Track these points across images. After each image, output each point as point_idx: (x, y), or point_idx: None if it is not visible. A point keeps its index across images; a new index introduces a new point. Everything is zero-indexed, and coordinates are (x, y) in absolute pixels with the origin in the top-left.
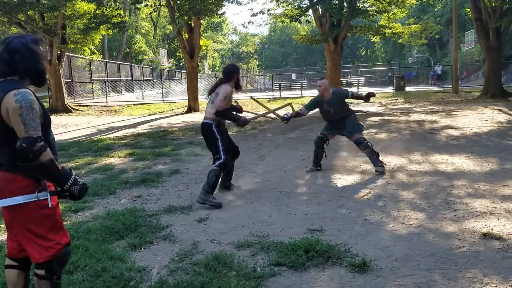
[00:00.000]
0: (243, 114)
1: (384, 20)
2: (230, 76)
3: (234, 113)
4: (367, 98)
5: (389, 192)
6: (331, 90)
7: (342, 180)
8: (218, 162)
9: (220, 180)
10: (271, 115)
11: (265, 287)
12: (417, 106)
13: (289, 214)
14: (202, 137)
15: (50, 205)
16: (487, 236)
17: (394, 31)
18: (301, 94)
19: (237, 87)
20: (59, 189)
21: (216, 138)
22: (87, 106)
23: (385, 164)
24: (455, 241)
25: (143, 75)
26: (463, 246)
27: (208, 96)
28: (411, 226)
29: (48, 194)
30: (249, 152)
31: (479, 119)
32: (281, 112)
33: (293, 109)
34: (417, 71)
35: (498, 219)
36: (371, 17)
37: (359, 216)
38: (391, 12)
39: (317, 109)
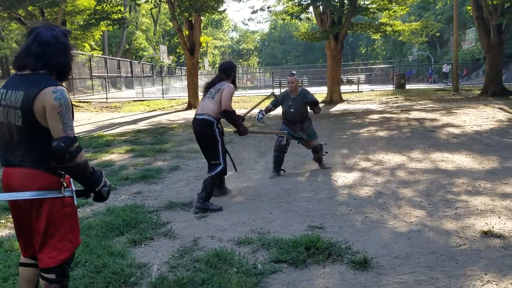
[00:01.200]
0: None
1: (385, 18)
2: (229, 73)
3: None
4: (317, 110)
5: (389, 190)
6: (299, 89)
7: (342, 177)
8: (217, 170)
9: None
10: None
11: (266, 284)
12: (417, 104)
13: (290, 211)
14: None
15: (76, 203)
16: (487, 234)
17: (394, 29)
18: None
19: (233, 84)
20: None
21: (218, 140)
22: (87, 102)
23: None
24: (455, 238)
25: (143, 71)
26: (464, 244)
27: (203, 92)
28: (412, 223)
29: (74, 191)
30: (249, 149)
31: (480, 117)
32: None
33: (286, 139)
34: (417, 69)
35: (499, 217)
36: (371, 14)
37: (359, 214)
38: (392, 10)
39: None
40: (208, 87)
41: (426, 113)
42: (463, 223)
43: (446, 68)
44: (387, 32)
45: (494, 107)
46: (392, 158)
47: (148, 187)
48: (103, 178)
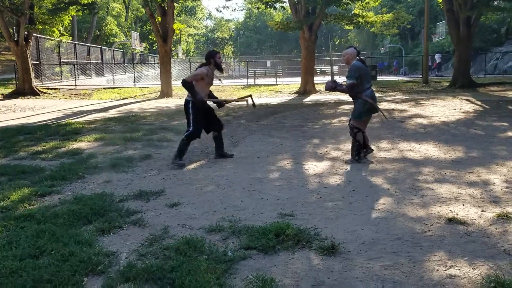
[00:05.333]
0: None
1: (358, 9)
2: (207, 60)
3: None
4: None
5: (358, 178)
6: (352, 63)
7: (313, 166)
8: (186, 133)
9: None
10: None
11: (235, 270)
12: (388, 95)
13: (261, 199)
14: (174, 123)
15: None
16: (452, 220)
17: (367, 20)
18: (276, 81)
19: (219, 69)
20: None
21: (189, 113)
22: (55, 89)
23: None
24: (421, 225)
25: (114, 58)
26: (429, 230)
27: None
28: (379, 210)
29: None
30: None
31: (447, 109)
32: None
33: (252, 101)
34: (388, 61)
35: (463, 205)
36: (345, 5)
37: (329, 201)
38: (365, 1)
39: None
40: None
41: (395, 104)
42: (429, 210)
43: (438, 58)
44: (360, 23)
45: (461, 99)
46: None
47: (118, 176)
48: None
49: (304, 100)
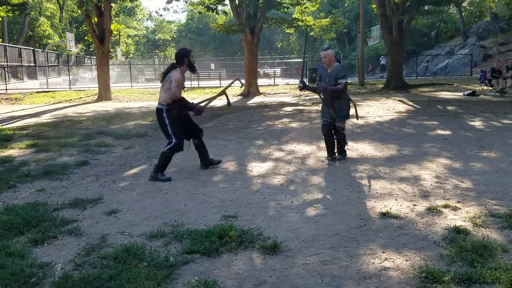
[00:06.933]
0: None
1: (297, 13)
2: (181, 60)
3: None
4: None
5: (300, 178)
6: (335, 64)
7: (257, 167)
8: (168, 146)
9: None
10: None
11: (177, 275)
12: (303, 93)
13: (205, 202)
14: (113, 127)
15: None
16: (386, 215)
17: (306, 24)
18: (220, 83)
19: (192, 70)
20: None
21: (165, 123)
22: None
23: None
24: (357, 220)
25: (47, 60)
26: (365, 225)
27: (161, 81)
28: (319, 208)
29: None
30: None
31: (382, 109)
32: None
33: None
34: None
35: (396, 200)
36: (285, 9)
37: (272, 201)
38: (304, 5)
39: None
40: (164, 74)
41: None
42: (365, 205)
43: (383, 60)
44: (300, 27)
45: (395, 100)
46: (303, 148)
47: (52, 184)
48: None
49: (248, 102)
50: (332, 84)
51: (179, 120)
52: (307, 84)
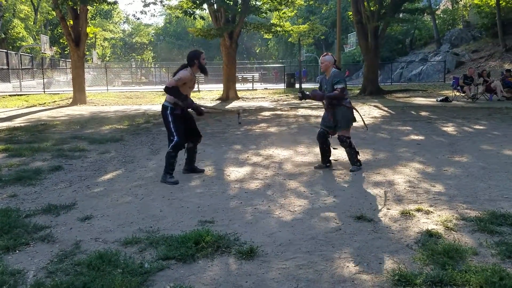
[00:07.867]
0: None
1: (275, 19)
2: (191, 62)
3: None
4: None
5: (277, 182)
6: (332, 70)
7: (235, 172)
8: (171, 144)
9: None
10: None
11: (152, 282)
12: (305, 102)
13: (181, 207)
14: (88, 131)
15: None
16: (360, 219)
17: (284, 29)
18: (198, 88)
19: (203, 72)
20: None
21: (168, 121)
22: None
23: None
24: (333, 224)
25: (21, 63)
26: (340, 229)
27: None
28: (295, 212)
29: None
30: (141, 146)
31: (357, 114)
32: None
33: (239, 118)
34: (306, 69)
35: (370, 203)
36: (263, 14)
37: (249, 206)
38: (282, 11)
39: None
40: (174, 74)
41: (311, 110)
42: (340, 209)
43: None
44: (278, 32)
45: (370, 105)
46: (281, 153)
47: (24, 190)
48: None
49: (226, 107)
50: (329, 90)
51: (182, 120)
52: (306, 93)
